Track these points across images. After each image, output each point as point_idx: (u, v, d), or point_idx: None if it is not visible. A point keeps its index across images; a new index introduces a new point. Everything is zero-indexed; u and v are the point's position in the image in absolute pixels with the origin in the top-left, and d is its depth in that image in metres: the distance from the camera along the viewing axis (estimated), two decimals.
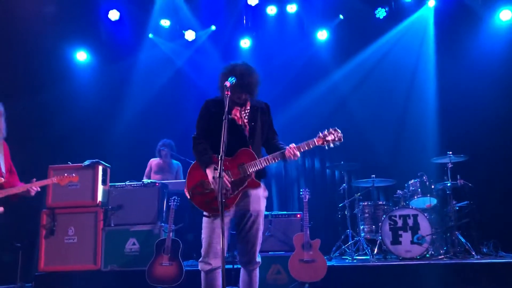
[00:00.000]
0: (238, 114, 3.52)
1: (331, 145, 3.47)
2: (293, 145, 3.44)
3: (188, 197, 3.48)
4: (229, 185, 3.37)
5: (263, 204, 3.57)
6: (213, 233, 3.38)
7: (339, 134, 3.48)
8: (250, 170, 3.41)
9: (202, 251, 3.44)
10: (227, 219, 3.44)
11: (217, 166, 3.15)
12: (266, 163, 3.44)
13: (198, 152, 3.50)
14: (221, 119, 3.21)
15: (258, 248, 3.56)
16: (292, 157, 3.41)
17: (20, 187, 4.22)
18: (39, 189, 4.30)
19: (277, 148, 3.56)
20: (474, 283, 5.24)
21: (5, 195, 4.16)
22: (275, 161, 3.46)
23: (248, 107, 3.57)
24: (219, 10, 8.59)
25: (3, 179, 4.18)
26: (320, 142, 3.46)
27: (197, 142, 3.54)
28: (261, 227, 3.57)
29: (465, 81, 7.65)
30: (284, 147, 3.50)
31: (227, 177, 3.37)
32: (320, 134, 3.48)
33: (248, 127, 3.52)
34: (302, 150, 3.45)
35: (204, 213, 3.44)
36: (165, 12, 8.56)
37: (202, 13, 8.60)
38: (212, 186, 3.36)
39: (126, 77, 8.41)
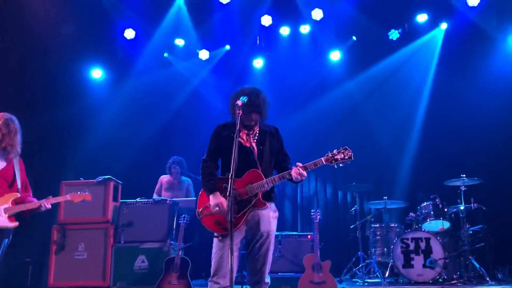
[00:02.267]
0: (244, 137, 3.57)
1: (341, 164, 3.49)
2: (299, 164, 3.45)
3: (199, 218, 3.53)
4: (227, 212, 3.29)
5: (273, 224, 3.58)
6: (223, 253, 3.39)
7: (349, 153, 3.49)
8: (257, 190, 3.44)
9: (212, 270, 3.45)
10: (237, 240, 3.46)
11: (221, 192, 3.32)
12: (273, 183, 3.46)
13: (204, 176, 3.58)
14: (230, 141, 3.29)
15: (267, 269, 3.54)
16: (298, 176, 3.42)
17: (32, 203, 4.26)
18: (49, 207, 4.34)
19: (287, 170, 3.57)
20: None
21: (19, 210, 4.21)
22: (281, 180, 3.47)
23: (257, 131, 3.62)
24: (232, 30, 8.69)
25: (18, 194, 4.25)
26: (329, 161, 3.47)
27: (205, 165, 3.61)
28: (271, 248, 3.56)
29: (478, 103, 7.59)
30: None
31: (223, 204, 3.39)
32: (329, 154, 3.51)
33: (256, 150, 3.57)
34: (309, 169, 3.45)
35: (215, 234, 3.47)
36: (179, 32, 8.68)
37: (216, 33, 8.70)
38: (213, 211, 3.41)
39: (139, 95, 8.49)
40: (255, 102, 3.48)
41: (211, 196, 3.46)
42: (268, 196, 3.54)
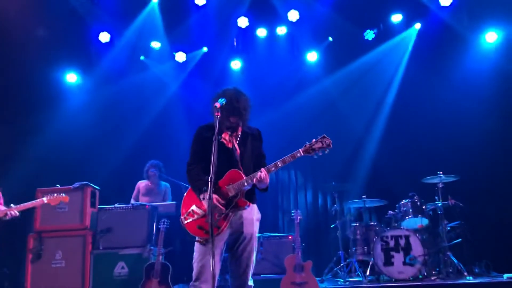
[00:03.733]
0: (227, 138, 3.56)
1: (320, 153, 3.43)
2: (263, 169, 3.39)
3: (182, 224, 3.48)
4: (222, 208, 3.36)
5: (256, 226, 3.57)
6: (205, 257, 3.35)
7: (328, 141, 3.43)
8: (237, 190, 3.42)
9: (194, 274, 3.41)
10: (220, 243, 3.44)
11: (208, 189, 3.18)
12: (250, 181, 3.41)
13: (191, 177, 3.54)
14: (213, 142, 3.27)
15: (250, 272, 3.52)
16: (262, 180, 3.36)
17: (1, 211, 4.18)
18: (16, 214, 4.24)
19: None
20: None
21: None
22: (255, 180, 3.40)
23: (239, 132, 3.61)
24: (209, 32, 8.66)
25: None
26: (307, 152, 3.42)
27: (190, 168, 3.58)
28: (254, 250, 3.54)
29: (454, 101, 7.73)
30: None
31: (218, 198, 3.36)
32: (307, 144, 3.45)
33: (238, 151, 3.55)
34: (282, 165, 3.40)
35: (197, 238, 3.43)
36: (155, 34, 8.60)
37: (192, 35, 8.65)
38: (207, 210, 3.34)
39: (116, 99, 8.37)
40: (234, 106, 3.47)
41: (201, 196, 3.41)
42: (249, 196, 3.52)
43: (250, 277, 3.53)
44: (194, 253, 3.46)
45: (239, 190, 3.43)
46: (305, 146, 3.44)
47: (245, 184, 3.41)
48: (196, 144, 3.62)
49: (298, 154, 3.43)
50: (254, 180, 3.39)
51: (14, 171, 7.05)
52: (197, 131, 3.66)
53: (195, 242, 3.46)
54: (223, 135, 3.55)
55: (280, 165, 3.42)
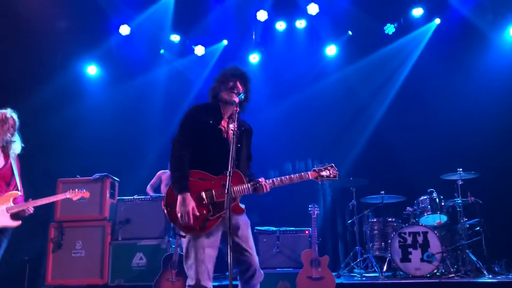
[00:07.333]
0: (225, 126, 3.26)
1: (325, 181, 3.50)
2: (262, 179, 3.22)
3: (165, 211, 3.13)
4: (192, 222, 2.99)
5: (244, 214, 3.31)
6: (200, 253, 3.03)
7: (335, 172, 3.44)
8: (236, 195, 3.12)
9: (192, 275, 3.04)
10: (215, 237, 3.12)
11: (197, 190, 3.06)
12: (250, 190, 3.18)
13: (175, 165, 3.13)
14: (209, 129, 3.17)
15: (256, 256, 3.25)
16: (263, 191, 3.20)
17: (20, 205, 4.25)
18: (31, 211, 4.30)
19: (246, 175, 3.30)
20: None
21: (20, 209, 4.21)
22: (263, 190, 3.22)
23: (236, 124, 3.17)
24: (228, 26, 8.65)
25: (19, 193, 4.26)
26: (314, 176, 3.40)
27: (178, 153, 3.15)
28: (250, 235, 3.28)
29: (475, 97, 7.61)
30: (254, 178, 3.27)
31: (193, 212, 3.01)
32: (316, 168, 3.44)
33: (234, 147, 3.09)
34: (287, 183, 3.27)
35: (181, 233, 3.09)
36: (174, 27, 8.63)
37: (211, 28, 8.65)
38: (180, 221, 3.01)
39: (136, 91, 8.45)
40: (234, 69, 3.36)
41: (179, 197, 3.02)
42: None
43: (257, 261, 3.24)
44: (186, 251, 3.08)
45: (239, 196, 3.15)
46: (314, 170, 3.43)
47: (245, 192, 3.17)
48: (187, 126, 3.22)
49: (307, 176, 3.37)
50: (262, 190, 3.19)
51: (35, 162, 7.18)
52: (193, 110, 3.28)
53: (181, 239, 3.13)
54: (222, 122, 3.26)
55: (286, 182, 3.27)
